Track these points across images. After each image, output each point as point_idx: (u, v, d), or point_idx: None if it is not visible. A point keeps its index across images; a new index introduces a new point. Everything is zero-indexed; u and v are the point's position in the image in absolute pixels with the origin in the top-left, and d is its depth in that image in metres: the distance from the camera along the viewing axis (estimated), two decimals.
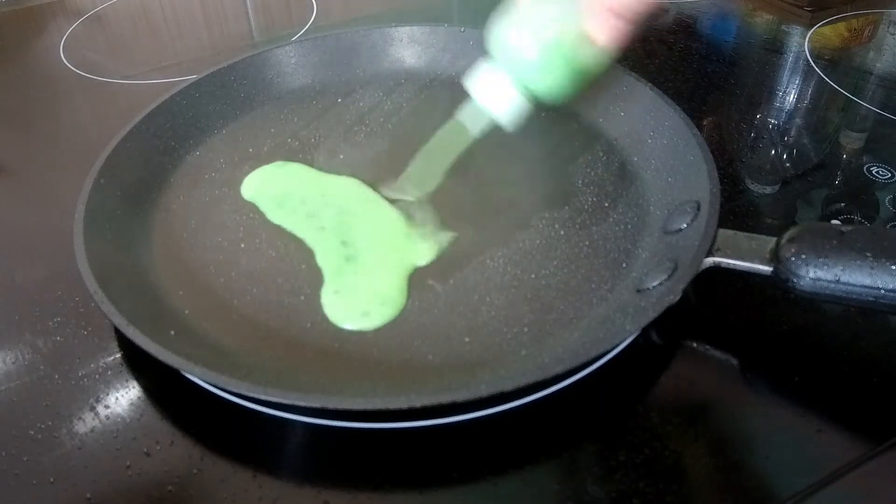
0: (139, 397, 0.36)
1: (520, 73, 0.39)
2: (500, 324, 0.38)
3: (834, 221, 0.46)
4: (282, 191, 0.48)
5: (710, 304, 0.40)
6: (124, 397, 0.36)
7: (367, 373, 0.36)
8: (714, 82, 0.62)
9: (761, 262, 0.35)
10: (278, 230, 0.45)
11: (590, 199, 0.46)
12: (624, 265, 0.41)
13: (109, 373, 0.37)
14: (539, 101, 0.40)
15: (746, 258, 0.36)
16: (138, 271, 0.41)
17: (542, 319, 0.38)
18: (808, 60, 0.64)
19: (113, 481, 0.32)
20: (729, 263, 0.36)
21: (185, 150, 0.52)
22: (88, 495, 0.32)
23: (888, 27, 0.70)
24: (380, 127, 0.54)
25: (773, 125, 0.57)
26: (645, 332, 0.37)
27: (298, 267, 0.42)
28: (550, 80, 0.39)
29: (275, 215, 0.46)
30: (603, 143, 0.51)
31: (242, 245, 0.44)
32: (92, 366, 0.38)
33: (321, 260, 0.43)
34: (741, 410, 0.34)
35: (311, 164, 0.51)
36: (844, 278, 0.33)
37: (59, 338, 0.40)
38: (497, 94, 0.40)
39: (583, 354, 0.32)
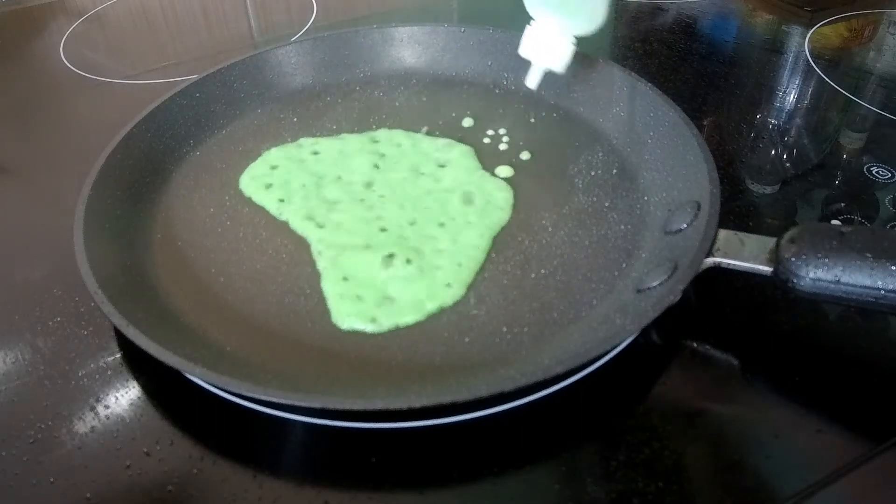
0: (139, 397, 0.36)
1: (558, 18, 0.47)
2: (500, 324, 0.38)
3: (834, 221, 0.46)
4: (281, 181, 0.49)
5: (710, 304, 0.40)
6: (124, 397, 0.36)
7: (367, 373, 0.36)
8: (714, 82, 0.62)
9: (761, 263, 0.35)
10: (279, 229, 0.45)
11: (590, 199, 0.46)
12: (624, 265, 0.41)
13: (109, 373, 0.37)
14: (581, 40, 0.47)
15: (746, 258, 0.36)
16: (138, 271, 0.41)
17: (542, 319, 0.38)
18: (808, 60, 0.64)
19: (113, 481, 0.32)
20: (729, 263, 0.36)
21: (185, 150, 0.52)
22: (88, 495, 0.32)
23: (888, 27, 0.70)
24: (379, 127, 0.54)
25: (773, 125, 0.57)
26: (645, 332, 0.37)
27: (299, 266, 0.42)
28: (584, 16, 0.46)
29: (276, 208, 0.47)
30: (603, 143, 0.51)
31: (243, 245, 0.44)
32: (92, 366, 0.38)
33: (321, 263, 0.43)
34: (741, 410, 0.34)
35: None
36: (845, 279, 0.33)
37: (59, 338, 0.40)
38: (546, 47, 0.48)
39: (583, 355, 0.32)
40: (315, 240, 0.44)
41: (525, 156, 0.51)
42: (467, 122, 0.54)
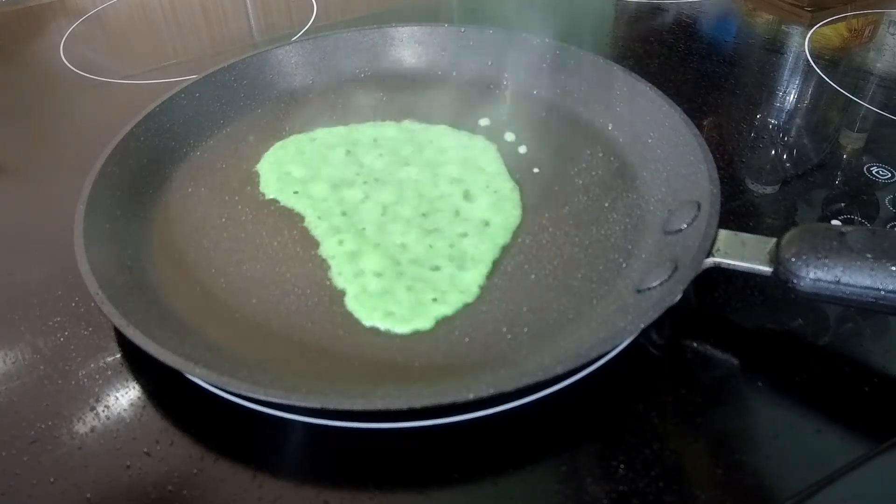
0: (139, 397, 0.36)
1: None
2: (500, 324, 0.38)
3: (834, 221, 0.46)
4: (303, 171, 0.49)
5: (710, 304, 0.40)
6: (124, 397, 0.36)
7: (367, 372, 0.36)
8: (714, 82, 0.62)
9: (761, 263, 0.35)
10: (279, 229, 0.45)
11: (590, 199, 0.46)
12: (624, 265, 0.41)
13: (109, 373, 0.37)
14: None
15: (747, 259, 0.36)
16: (138, 271, 0.41)
17: (542, 319, 0.38)
18: (808, 60, 0.64)
19: (113, 481, 0.32)
20: (729, 264, 0.36)
21: (185, 150, 0.52)
22: (88, 495, 0.32)
23: (888, 27, 0.70)
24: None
25: (773, 125, 0.57)
26: (645, 332, 0.36)
27: (300, 266, 0.42)
28: None
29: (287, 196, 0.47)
30: (603, 143, 0.51)
31: (243, 245, 0.44)
32: (92, 366, 0.38)
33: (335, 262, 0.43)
34: (741, 410, 0.34)
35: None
36: (845, 279, 0.33)
37: (59, 338, 0.40)
38: None
39: (583, 355, 0.32)
40: (326, 239, 0.44)
41: (524, 153, 0.51)
42: (467, 121, 0.54)
